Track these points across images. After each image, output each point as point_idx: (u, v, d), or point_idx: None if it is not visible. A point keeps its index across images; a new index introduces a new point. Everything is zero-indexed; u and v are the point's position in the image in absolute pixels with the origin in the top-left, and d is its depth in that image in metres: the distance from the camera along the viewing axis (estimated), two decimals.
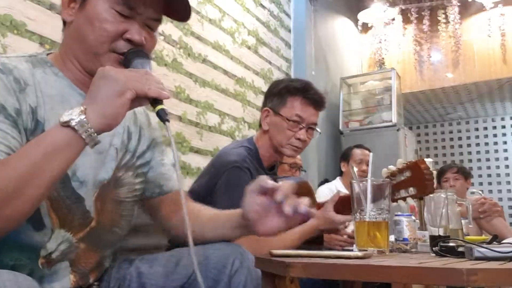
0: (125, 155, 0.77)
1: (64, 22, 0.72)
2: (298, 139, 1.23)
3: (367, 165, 2.37)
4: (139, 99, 0.59)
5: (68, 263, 0.69)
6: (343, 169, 2.52)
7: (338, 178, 2.55)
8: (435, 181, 1.30)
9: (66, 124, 0.55)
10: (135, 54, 0.67)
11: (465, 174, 2.58)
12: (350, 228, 1.97)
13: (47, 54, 0.72)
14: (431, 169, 1.23)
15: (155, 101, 0.61)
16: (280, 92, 1.26)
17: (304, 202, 0.63)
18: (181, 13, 0.74)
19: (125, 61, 0.67)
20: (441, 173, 2.59)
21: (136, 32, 0.68)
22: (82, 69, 0.70)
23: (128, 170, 0.77)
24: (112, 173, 0.73)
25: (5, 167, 0.54)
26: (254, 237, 1.11)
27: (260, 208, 0.67)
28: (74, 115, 0.56)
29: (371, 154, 0.99)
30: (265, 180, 0.66)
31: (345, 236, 1.52)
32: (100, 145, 0.66)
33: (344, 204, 1.16)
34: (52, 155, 0.55)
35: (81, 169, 0.67)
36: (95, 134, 0.57)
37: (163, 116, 0.61)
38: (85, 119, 0.56)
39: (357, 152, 2.49)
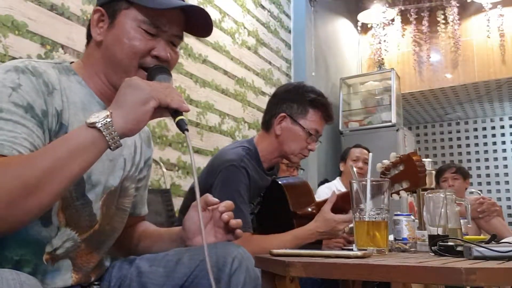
0: (132, 167, 0.80)
1: (88, 38, 0.76)
2: (309, 149, 1.27)
3: (365, 163, 2.39)
4: (161, 110, 0.63)
5: (70, 261, 0.70)
6: (341, 168, 2.54)
7: (337, 178, 2.55)
8: (433, 181, 1.31)
9: (92, 125, 0.58)
10: (158, 70, 0.71)
11: (464, 174, 2.58)
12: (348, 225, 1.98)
13: (70, 63, 0.75)
14: (429, 169, 1.24)
15: (175, 112, 0.65)
16: (302, 102, 1.25)
17: (238, 222, 0.74)
18: (203, 29, 0.78)
19: (149, 76, 0.71)
20: (440, 173, 2.59)
21: (163, 49, 0.72)
22: (107, 82, 0.74)
23: (132, 182, 0.81)
24: (119, 181, 0.76)
25: (29, 160, 0.56)
26: (247, 235, 1.12)
27: (198, 222, 0.74)
28: (101, 118, 0.59)
29: (370, 154, 0.99)
30: (209, 197, 0.75)
31: (341, 239, 1.53)
32: (112, 153, 0.69)
33: (343, 201, 1.16)
34: (76, 153, 0.57)
35: (95, 173, 0.70)
36: (118, 137, 0.60)
37: (182, 126, 0.65)
38: (110, 122, 0.59)
39: (355, 150, 2.51)
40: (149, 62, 0.71)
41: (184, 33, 0.77)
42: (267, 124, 1.29)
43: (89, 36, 0.76)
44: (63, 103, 0.67)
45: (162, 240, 0.84)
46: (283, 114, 1.25)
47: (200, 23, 0.76)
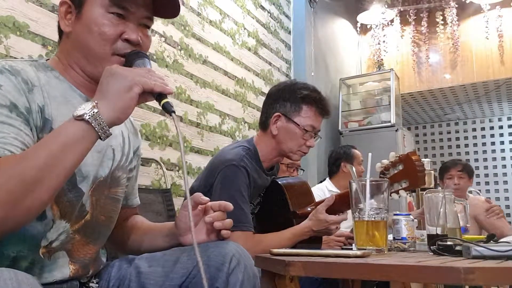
0: (122, 157, 0.80)
1: (60, 33, 0.76)
2: (308, 146, 1.27)
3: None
4: (145, 94, 0.63)
5: (65, 253, 0.71)
6: (344, 169, 2.40)
7: (327, 179, 2.44)
8: (433, 180, 1.31)
9: (80, 118, 0.58)
10: (135, 55, 0.71)
11: (470, 172, 2.49)
12: (346, 225, 1.98)
13: (46, 60, 0.75)
14: (429, 169, 1.24)
15: (160, 96, 0.64)
16: (295, 99, 1.25)
17: (224, 223, 0.73)
18: (170, 9, 0.77)
19: (126, 62, 0.70)
20: (445, 169, 2.49)
21: (132, 31, 0.71)
22: (84, 74, 0.74)
23: (124, 172, 0.81)
24: (108, 171, 0.76)
25: (23, 159, 0.56)
26: (249, 234, 1.13)
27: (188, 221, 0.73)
28: (87, 109, 0.59)
29: (370, 154, 1.00)
30: (198, 196, 0.74)
31: (342, 238, 1.54)
32: (100, 145, 0.69)
33: (341, 203, 1.17)
34: (68, 147, 0.58)
35: (85, 164, 0.70)
36: (107, 127, 0.60)
37: (168, 108, 0.64)
38: (98, 112, 0.59)
39: (359, 153, 2.41)
40: (120, 47, 0.71)
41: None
42: (264, 125, 1.30)
43: (60, 30, 0.75)
44: (44, 98, 0.67)
45: (153, 233, 0.83)
46: (277, 113, 1.26)
47: (166, 3, 0.75)
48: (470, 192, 2.68)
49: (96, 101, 0.59)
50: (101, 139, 0.60)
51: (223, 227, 0.74)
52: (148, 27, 0.76)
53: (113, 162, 0.77)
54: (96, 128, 0.59)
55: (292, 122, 1.24)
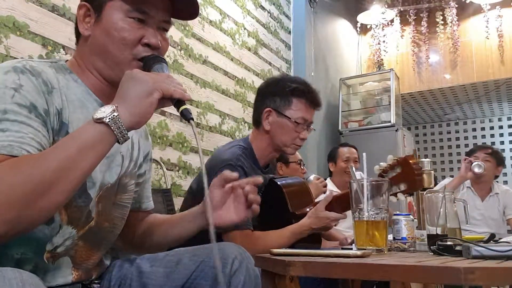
0: (130, 163, 0.80)
1: (77, 35, 0.76)
2: (302, 138, 1.27)
3: (354, 161, 2.37)
4: (163, 100, 0.63)
5: (69, 259, 0.70)
6: (331, 169, 2.46)
7: (328, 178, 2.47)
8: (433, 181, 1.31)
9: (100, 121, 0.58)
10: (154, 60, 0.70)
11: (498, 159, 2.36)
12: (345, 225, 1.98)
13: (65, 61, 0.75)
14: (428, 169, 1.24)
15: (178, 102, 0.64)
16: (283, 93, 1.26)
17: (256, 198, 0.74)
18: (189, 11, 0.78)
19: (145, 66, 0.70)
20: (471, 152, 2.39)
21: (152, 36, 0.71)
22: (101, 78, 0.74)
23: (132, 178, 0.80)
24: (116, 178, 0.75)
25: (41, 160, 0.56)
26: (248, 232, 1.13)
27: (219, 200, 0.75)
28: (108, 113, 0.59)
29: (364, 154, 0.99)
30: (227, 173, 0.76)
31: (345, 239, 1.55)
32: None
33: (337, 203, 1.17)
34: (86, 150, 0.57)
35: (94, 170, 0.69)
36: (126, 131, 0.60)
37: (187, 115, 0.64)
38: (118, 116, 0.59)
39: (344, 150, 2.42)
40: (141, 51, 0.71)
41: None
42: (256, 122, 1.31)
43: (77, 33, 0.75)
44: (62, 101, 0.67)
45: (181, 222, 0.82)
46: (268, 109, 1.26)
47: (185, 7, 0.76)
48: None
49: (116, 105, 0.60)
50: (118, 143, 0.60)
51: (256, 201, 0.73)
52: (166, 30, 0.76)
53: (121, 168, 0.76)
54: (115, 132, 0.59)
55: (283, 116, 1.25)
